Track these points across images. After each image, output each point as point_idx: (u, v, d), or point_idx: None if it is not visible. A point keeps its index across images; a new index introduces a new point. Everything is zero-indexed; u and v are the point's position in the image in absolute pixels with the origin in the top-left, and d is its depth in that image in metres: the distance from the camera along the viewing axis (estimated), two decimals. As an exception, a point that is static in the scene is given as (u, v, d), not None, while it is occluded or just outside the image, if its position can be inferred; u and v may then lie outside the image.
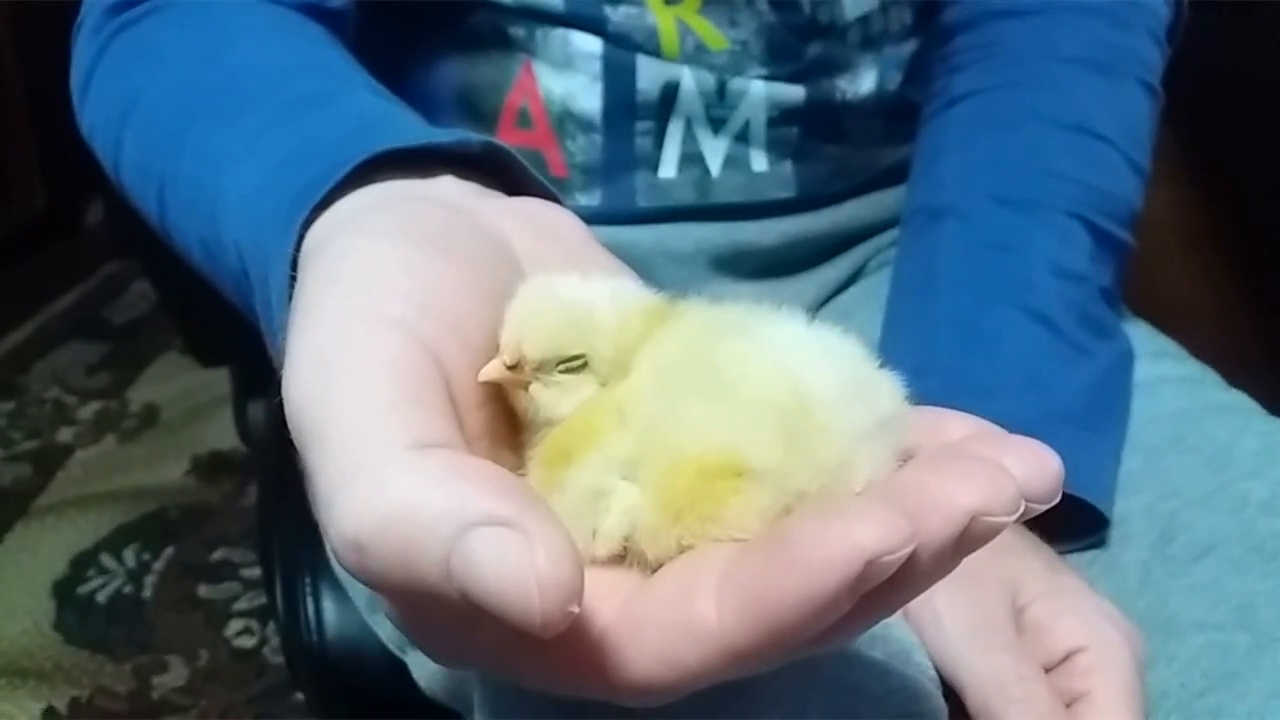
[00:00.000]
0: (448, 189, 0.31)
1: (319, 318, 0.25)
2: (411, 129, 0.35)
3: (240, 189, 0.37)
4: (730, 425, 0.24)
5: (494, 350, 0.26)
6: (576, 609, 0.19)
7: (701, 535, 0.24)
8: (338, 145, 0.32)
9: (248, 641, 1.30)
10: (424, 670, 0.52)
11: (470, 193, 0.32)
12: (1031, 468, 0.22)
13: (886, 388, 0.26)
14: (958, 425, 0.26)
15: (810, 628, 0.20)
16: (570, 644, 0.22)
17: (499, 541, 0.19)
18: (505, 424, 0.27)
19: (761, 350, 0.25)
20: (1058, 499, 0.22)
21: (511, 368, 0.26)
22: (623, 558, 0.25)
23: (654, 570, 0.24)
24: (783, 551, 0.20)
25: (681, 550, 0.24)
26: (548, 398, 0.26)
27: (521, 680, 0.23)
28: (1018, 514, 0.21)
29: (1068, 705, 0.38)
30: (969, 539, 0.21)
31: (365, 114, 0.38)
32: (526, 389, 0.26)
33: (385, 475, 0.21)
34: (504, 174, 0.34)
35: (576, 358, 0.26)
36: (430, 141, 0.32)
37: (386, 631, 0.57)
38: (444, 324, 0.25)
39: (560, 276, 0.27)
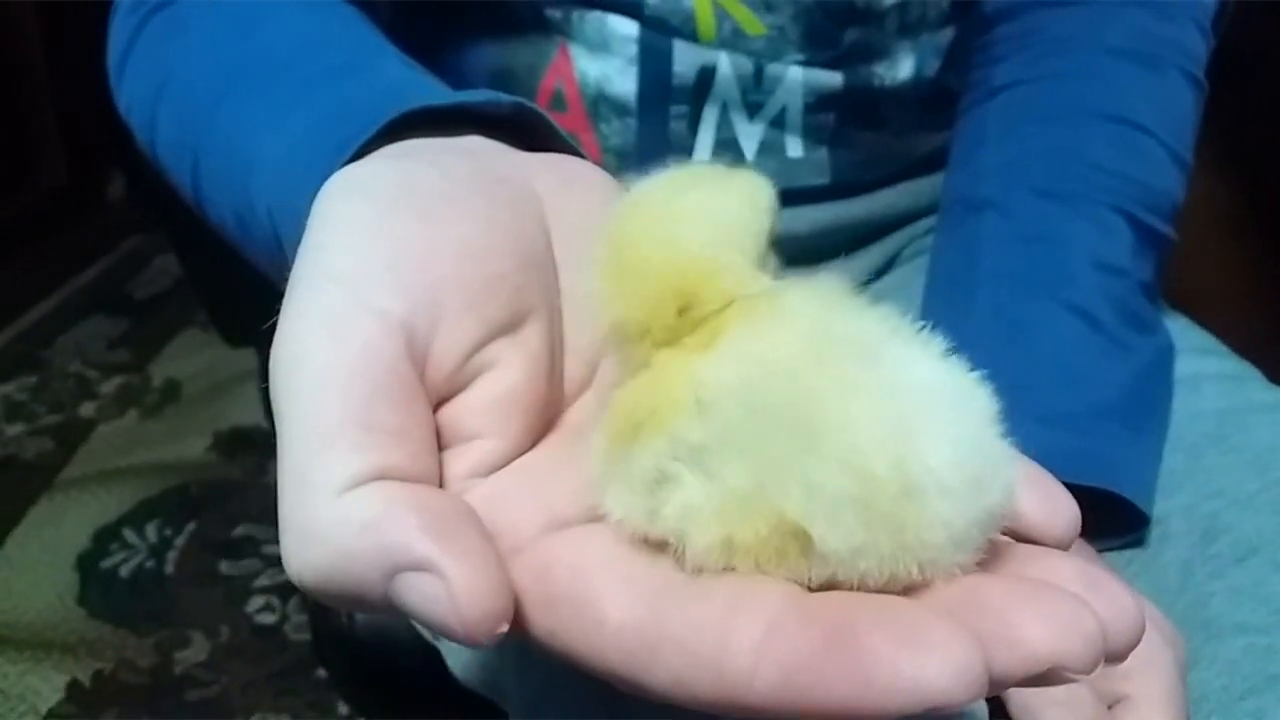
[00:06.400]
0: (474, 144, 0.31)
1: (300, 301, 0.25)
2: (442, 92, 0.35)
3: (272, 155, 0.37)
4: (811, 491, 0.21)
5: (478, 306, 0.25)
6: (505, 628, 0.21)
7: (752, 570, 0.22)
8: (368, 108, 0.32)
9: (269, 618, 1.30)
10: (459, 659, 0.52)
11: (496, 147, 0.31)
12: (1115, 619, 0.21)
13: (1002, 470, 0.22)
14: (1059, 523, 0.25)
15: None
16: (584, 625, 0.22)
17: (419, 586, 0.21)
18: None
19: (876, 391, 0.21)
20: (1126, 660, 0.22)
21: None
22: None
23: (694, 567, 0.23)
24: (847, 651, 0.19)
25: (730, 567, 0.22)
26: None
27: (531, 638, 0.23)
28: (1093, 674, 0.20)
29: (1109, 707, 0.38)
30: (1035, 680, 0.20)
31: (396, 80, 0.38)
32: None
33: (317, 528, 0.22)
34: (534, 138, 0.33)
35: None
36: (460, 101, 0.32)
37: (420, 620, 0.57)
38: (421, 293, 0.25)
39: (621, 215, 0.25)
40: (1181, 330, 0.55)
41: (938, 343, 0.23)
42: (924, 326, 0.24)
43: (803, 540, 0.21)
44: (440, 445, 0.25)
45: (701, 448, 0.22)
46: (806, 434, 0.21)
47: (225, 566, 1.38)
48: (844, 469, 0.21)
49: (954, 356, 0.23)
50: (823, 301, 0.23)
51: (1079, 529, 0.25)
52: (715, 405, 0.22)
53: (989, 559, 0.23)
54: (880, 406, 0.21)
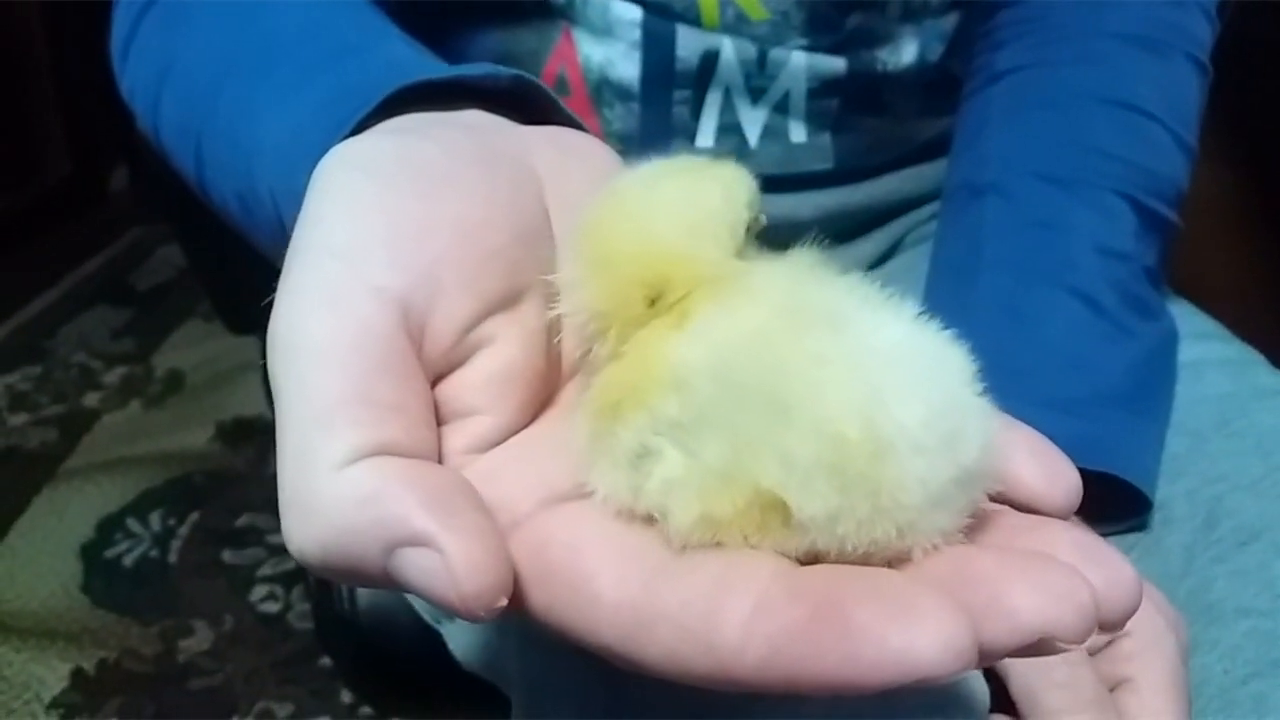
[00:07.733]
0: (473, 119, 0.31)
1: (298, 275, 0.25)
2: (440, 67, 0.35)
3: (275, 138, 0.37)
4: (785, 461, 0.21)
5: (475, 282, 0.25)
6: (504, 601, 0.21)
7: (741, 544, 0.22)
8: (370, 87, 0.32)
9: (272, 607, 1.30)
10: (460, 642, 0.52)
11: (495, 122, 0.31)
12: (1111, 588, 0.21)
13: (979, 426, 0.22)
14: (1048, 484, 0.25)
15: (830, 694, 0.19)
16: (579, 602, 0.22)
17: (419, 561, 0.21)
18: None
19: (846, 358, 0.21)
20: (1124, 630, 0.22)
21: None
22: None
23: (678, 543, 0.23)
24: (835, 624, 0.19)
25: (716, 541, 0.22)
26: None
27: (527, 613, 0.23)
28: (1086, 643, 0.20)
29: (1112, 690, 0.38)
30: (1027, 650, 0.20)
31: (396, 58, 0.38)
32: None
33: (318, 503, 0.22)
34: (534, 112, 0.33)
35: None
36: (458, 75, 0.32)
37: (422, 603, 0.57)
38: (418, 270, 0.25)
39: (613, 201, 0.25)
40: (1185, 315, 0.55)
41: (908, 307, 0.23)
42: (893, 293, 0.24)
43: (783, 511, 0.21)
44: (438, 421, 0.25)
45: (679, 424, 0.22)
46: (778, 405, 0.21)
47: (228, 556, 1.38)
48: (816, 436, 0.21)
49: (925, 319, 0.23)
50: (791, 274, 0.24)
51: (1080, 496, 0.25)
52: (690, 382, 0.22)
53: (986, 530, 0.23)
54: (850, 371, 0.21)
